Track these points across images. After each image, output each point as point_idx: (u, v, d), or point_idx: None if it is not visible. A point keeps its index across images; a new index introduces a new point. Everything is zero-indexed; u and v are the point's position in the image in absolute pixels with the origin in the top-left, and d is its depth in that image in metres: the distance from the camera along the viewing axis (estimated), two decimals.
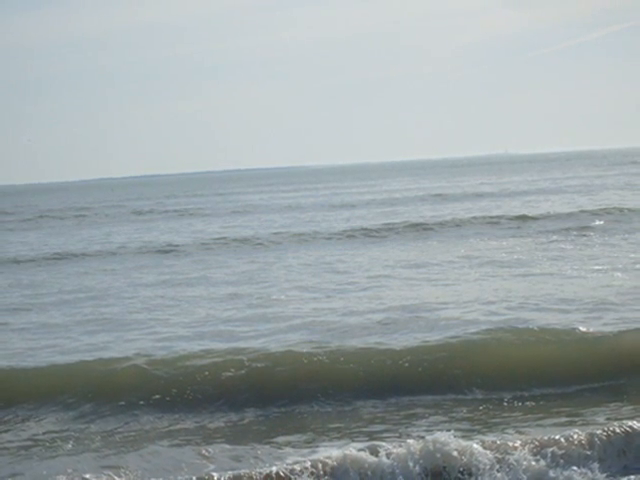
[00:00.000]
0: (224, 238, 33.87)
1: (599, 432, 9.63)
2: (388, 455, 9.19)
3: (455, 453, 9.17)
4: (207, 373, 12.50)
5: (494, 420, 10.83)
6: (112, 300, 19.87)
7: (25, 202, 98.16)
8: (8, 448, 10.58)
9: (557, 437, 9.56)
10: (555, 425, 10.40)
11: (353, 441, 10.05)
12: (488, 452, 9.24)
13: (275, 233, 35.01)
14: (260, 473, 8.98)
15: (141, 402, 11.89)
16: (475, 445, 9.31)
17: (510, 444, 9.45)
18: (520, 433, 10.13)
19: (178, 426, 11.19)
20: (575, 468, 9.20)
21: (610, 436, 9.58)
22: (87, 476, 8.97)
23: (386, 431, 10.56)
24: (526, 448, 9.36)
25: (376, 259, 25.22)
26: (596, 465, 9.25)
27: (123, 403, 11.87)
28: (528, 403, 11.51)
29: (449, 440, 9.29)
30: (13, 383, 12.64)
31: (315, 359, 12.77)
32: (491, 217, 35.80)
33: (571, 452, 9.36)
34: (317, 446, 10.00)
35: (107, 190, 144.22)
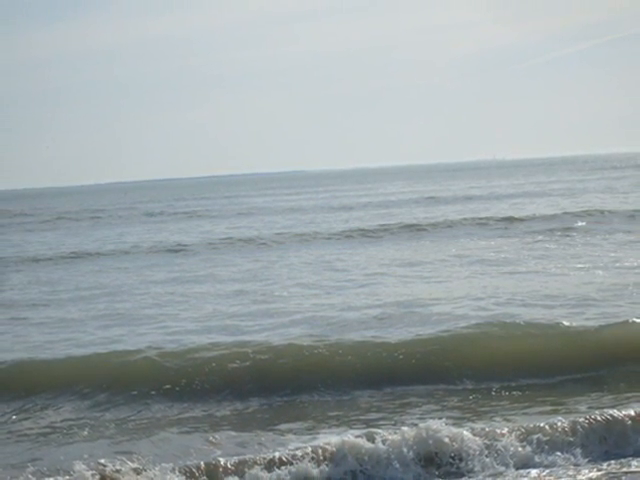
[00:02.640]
0: (230, 238, 33.86)
1: (581, 420, 9.63)
2: (384, 441, 9.18)
3: (446, 440, 9.17)
4: (214, 365, 12.49)
5: (483, 409, 10.83)
6: (125, 296, 19.88)
7: (44, 204, 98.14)
8: (28, 435, 10.59)
9: (542, 425, 9.56)
10: (540, 413, 10.41)
11: (351, 428, 10.05)
12: (477, 439, 9.24)
13: (278, 233, 35.00)
14: (264, 458, 8.98)
15: (152, 392, 11.89)
16: (465, 432, 9.31)
17: (498, 431, 9.45)
18: (507, 421, 10.14)
19: (187, 414, 11.19)
20: (559, 453, 9.21)
21: (592, 424, 9.58)
22: (102, 461, 8.94)
23: (382, 419, 10.56)
24: (513, 435, 9.37)
25: (373, 258, 25.22)
26: (579, 451, 9.26)
27: (135, 393, 11.87)
28: (515, 393, 11.51)
29: (441, 427, 9.29)
30: (32, 374, 12.64)
31: (315, 352, 12.77)
32: (480, 218, 35.77)
33: (555, 439, 9.37)
34: (317, 433, 10.01)
35: (120, 193, 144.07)
